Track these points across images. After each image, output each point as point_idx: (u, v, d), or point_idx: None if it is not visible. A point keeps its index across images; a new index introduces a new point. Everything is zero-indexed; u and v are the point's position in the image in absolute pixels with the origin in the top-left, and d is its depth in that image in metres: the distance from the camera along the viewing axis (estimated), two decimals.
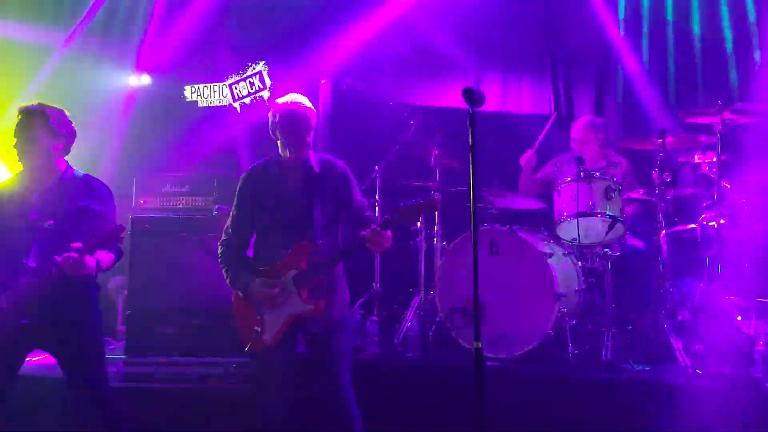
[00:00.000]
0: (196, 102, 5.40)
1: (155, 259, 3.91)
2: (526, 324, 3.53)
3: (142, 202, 4.35)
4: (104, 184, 2.94)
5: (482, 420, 2.04)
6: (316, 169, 2.80)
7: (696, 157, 4.03)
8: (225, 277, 2.80)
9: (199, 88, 5.41)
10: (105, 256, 2.76)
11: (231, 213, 2.87)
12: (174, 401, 3.55)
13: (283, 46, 5.37)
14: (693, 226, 4.02)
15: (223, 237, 2.86)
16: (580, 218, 3.71)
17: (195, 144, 5.31)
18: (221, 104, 5.37)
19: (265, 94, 5.25)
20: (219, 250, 2.85)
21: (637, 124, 5.00)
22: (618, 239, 3.94)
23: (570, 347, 3.53)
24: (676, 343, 3.51)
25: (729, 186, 3.83)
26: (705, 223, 3.87)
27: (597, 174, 3.85)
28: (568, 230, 3.88)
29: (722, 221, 3.74)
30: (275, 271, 2.72)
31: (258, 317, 2.73)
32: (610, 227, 3.80)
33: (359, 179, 4.45)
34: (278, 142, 2.80)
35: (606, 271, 3.81)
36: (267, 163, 2.87)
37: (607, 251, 3.82)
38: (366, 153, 4.84)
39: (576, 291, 3.77)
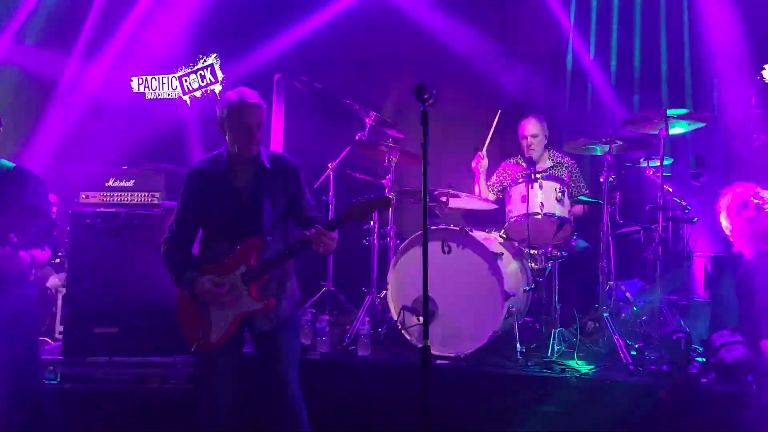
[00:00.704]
0: (144, 94, 5.23)
1: (96, 256, 3.75)
2: (475, 323, 3.56)
3: (84, 196, 4.16)
4: (37, 177, 2.81)
5: (427, 418, 2.03)
6: (267, 164, 2.75)
7: (642, 161, 4.16)
8: (170, 275, 2.71)
9: (146, 79, 5.24)
10: (39, 253, 2.65)
11: (176, 209, 2.78)
12: (114, 403, 3.44)
13: (237, 39, 5.26)
14: (637, 228, 4.16)
15: (167, 234, 2.77)
16: (530, 219, 3.77)
17: (142, 137, 5.14)
18: (170, 97, 5.22)
19: (217, 87, 5.14)
20: (163, 248, 2.76)
21: (586, 126, 5.12)
22: (566, 240, 4.03)
23: (518, 346, 3.58)
24: (619, 342, 3.61)
25: (671, 190, 3.96)
26: (648, 225, 4.01)
27: (547, 175, 3.92)
28: (518, 231, 3.93)
29: (664, 224, 3.87)
30: (223, 268, 2.65)
31: (204, 316, 2.65)
32: (559, 228, 3.87)
33: (313, 176, 4.43)
34: (227, 136, 2.73)
35: (554, 270, 3.89)
36: (215, 157, 2.78)
37: (555, 252, 3.90)
38: (320, 150, 4.79)
39: (525, 290, 3.83)
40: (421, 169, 2.17)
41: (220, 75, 5.17)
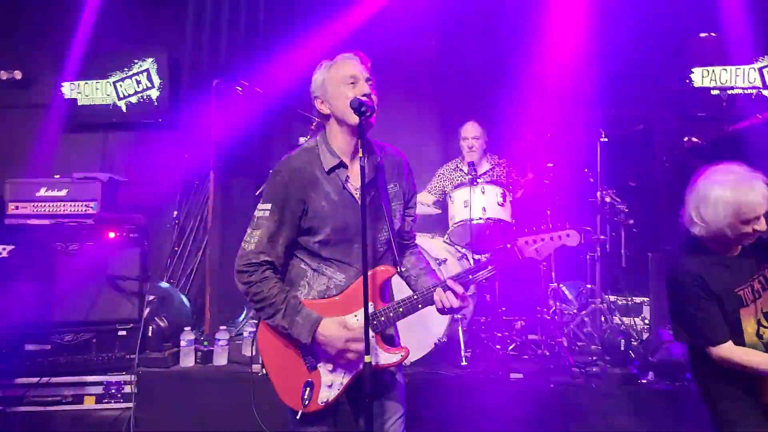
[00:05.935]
0: (76, 99, 5.02)
1: (25, 270, 3.59)
2: (420, 331, 3.53)
3: (14, 208, 4.01)
4: None
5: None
6: (381, 160, 2.07)
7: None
8: (265, 313, 1.97)
9: (78, 84, 5.03)
10: None
11: (258, 223, 2.00)
12: (47, 425, 3.28)
13: (175, 44, 5.06)
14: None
15: (250, 259, 1.97)
16: (472, 223, 3.78)
17: (75, 146, 4.95)
18: (104, 103, 5.03)
19: (154, 93, 4.97)
20: (246, 279, 1.97)
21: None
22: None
23: (463, 350, 3.59)
24: (561, 343, 3.66)
25: (610, 192, 4.03)
26: (588, 227, 4.08)
27: (488, 180, 3.93)
28: (461, 235, 3.94)
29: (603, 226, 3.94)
30: (334, 307, 1.99)
31: (310, 368, 2.01)
32: (501, 232, 3.90)
33: (261, 180, 4.29)
34: (327, 113, 2.03)
35: (497, 274, 3.90)
36: (312, 150, 2.04)
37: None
38: (265, 154, 4.65)
39: (470, 296, 3.83)
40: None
41: (156, 80, 4.99)
